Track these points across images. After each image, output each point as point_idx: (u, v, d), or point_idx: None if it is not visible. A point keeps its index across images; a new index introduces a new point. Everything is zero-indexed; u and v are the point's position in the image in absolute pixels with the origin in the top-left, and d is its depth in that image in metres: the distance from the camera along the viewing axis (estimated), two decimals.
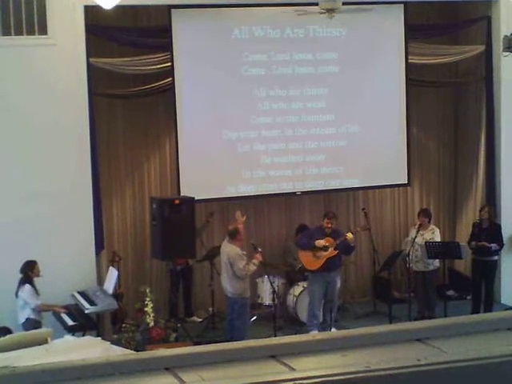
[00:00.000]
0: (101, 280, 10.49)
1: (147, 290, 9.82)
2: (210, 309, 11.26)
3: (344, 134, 11.89)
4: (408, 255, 11.03)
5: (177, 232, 9.83)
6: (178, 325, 10.30)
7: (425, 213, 11.43)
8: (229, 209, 11.74)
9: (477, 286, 11.38)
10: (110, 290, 9.93)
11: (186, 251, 10.25)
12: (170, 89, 11.07)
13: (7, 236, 10.15)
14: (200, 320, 11.59)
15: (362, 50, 11.78)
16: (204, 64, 11.15)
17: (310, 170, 11.81)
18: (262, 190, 11.65)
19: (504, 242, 11.38)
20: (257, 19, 11.37)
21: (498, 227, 11.45)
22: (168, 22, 10.90)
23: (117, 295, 10.36)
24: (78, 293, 10.07)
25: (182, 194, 10.89)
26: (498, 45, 11.42)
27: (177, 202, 10.13)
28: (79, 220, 10.43)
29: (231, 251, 9.92)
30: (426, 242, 10.96)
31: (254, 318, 11.06)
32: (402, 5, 11.83)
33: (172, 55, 10.93)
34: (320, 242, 10.41)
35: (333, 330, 9.95)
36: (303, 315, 10.88)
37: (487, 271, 11.29)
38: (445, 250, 10.99)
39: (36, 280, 9.55)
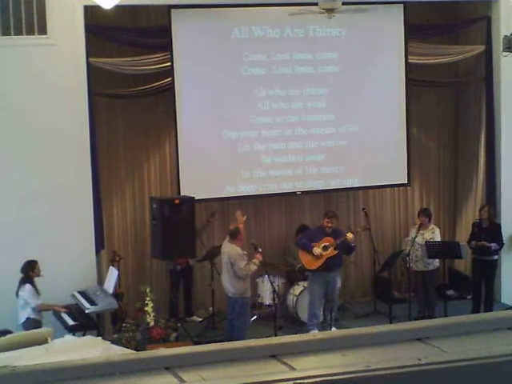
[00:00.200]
0: (101, 280, 10.49)
1: (147, 290, 9.83)
2: (210, 308, 11.26)
3: (344, 134, 11.89)
4: (408, 255, 11.03)
5: (177, 232, 9.83)
6: (178, 324, 10.31)
7: (425, 212, 11.42)
8: (229, 209, 11.74)
9: (477, 286, 11.38)
10: (111, 290, 9.93)
11: (186, 251, 10.25)
12: (170, 89, 11.07)
13: (7, 236, 10.15)
14: (200, 320, 11.59)
15: (362, 50, 11.78)
16: (204, 64, 11.15)
17: (310, 170, 11.81)
18: (262, 189, 11.65)
19: (504, 242, 11.39)
20: (256, 19, 11.36)
21: (498, 227, 11.45)
22: (168, 21, 10.90)
23: (117, 295, 10.36)
24: (79, 292, 10.07)
25: (181, 194, 10.89)
26: (497, 45, 11.41)
27: (177, 201, 10.14)
28: (79, 220, 10.43)
29: (232, 251, 9.92)
30: (426, 242, 10.96)
31: (255, 317, 11.05)
32: (402, 5, 11.82)
33: (172, 55, 10.92)
34: (316, 250, 10.41)
35: (333, 329, 9.95)
36: (303, 315, 10.89)
37: (487, 271, 11.29)
38: (445, 250, 10.99)
39: (36, 280, 9.55)
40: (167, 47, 10.96)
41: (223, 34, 11.24)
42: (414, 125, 12.62)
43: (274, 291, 10.38)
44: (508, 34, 10.44)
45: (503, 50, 10.49)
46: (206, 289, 11.59)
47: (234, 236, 9.99)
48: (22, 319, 9.44)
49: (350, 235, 10.50)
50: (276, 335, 9.76)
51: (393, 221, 12.86)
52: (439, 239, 11.34)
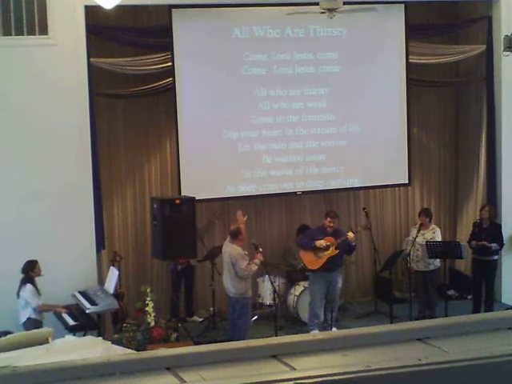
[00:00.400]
0: (102, 280, 10.49)
1: (148, 290, 9.83)
2: (211, 308, 11.25)
3: (344, 134, 11.89)
4: (409, 255, 11.03)
5: (177, 232, 9.84)
6: (179, 324, 10.30)
7: (425, 212, 11.42)
8: (229, 209, 11.74)
9: (477, 286, 11.37)
10: (111, 290, 9.94)
11: (187, 251, 10.24)
12: (171, 89, 11.07)
13: (8, 236, 10.15)
14: (201, 320, 11.59)
15: (363, 50, 11.78)
16: (204, 64, 11.15)
17: (311, 170, 11.81)
18: (262, 189, 11.65)
19: (504, 242, 11.38)
20: (257, 19, 11.37)
21: (499, 227, 11.45)
22: (168, 21, 10.90)
23: (118, 295, 10.36)
24: (79, 292, 10.08)
25: (182, 194, 10.89)
26: (498, 44, 11.41)
27: (177, 201, 10.14)
28: (80, 220, 10.43)
29: (233, 251, 9.92)
30: (426, 242, 10.96)
31: (255, 317, 11.05)
32: (403, 4, 11.82)
33: (172, 55, 10.92)
34: (320, 243, 10.41)
35: (334, 329, 9.96)
36: (304, 315, 10.89)
37: (487, 271, 11.28)
38: (445, 250, 10.99)
39: (37, 280, 9.55)
40: (168, 47, 10.96)
41: (224, 33, 11.24)
42: (415, 125, 12.62)
43: (274, 291, 10.39)
44: (509, 34, 10.44)
45: (504, 50, 10.49)
46: (206, 289, 11.59)
47: (235, 236, 9.99)
48: (23, 319, 9.44)
49: (350, 234, 10.51)
50: (277, 335, 9.75)
51: (393, 221, 12.86)
52: (440, 239, 11.33)
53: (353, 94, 11.85)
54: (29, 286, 9.43)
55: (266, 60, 11.41)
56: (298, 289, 11.19)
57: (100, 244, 10.75)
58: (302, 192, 11.88)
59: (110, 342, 7.01)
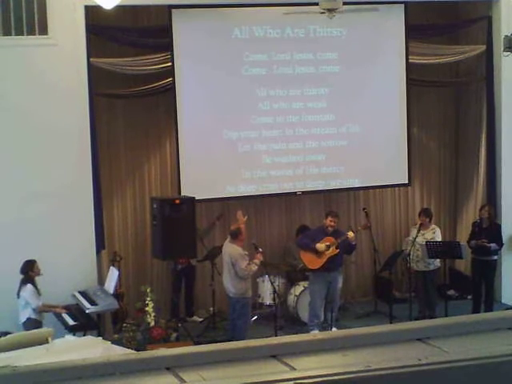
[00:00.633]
0: (101, 280, 10.49)
1: (148, 290, 9.83)
2: (211, 308, 11.25)
3: (344, 134, 11.89)
4: (409, 255, 11.03)
5: (177, 232, 9.83)
6: (179, 324, 10.31)
7: (425, 212, 11.42)
8: (229, 209, 11.74)
9: (477, 286, 11.37)
10: (111, 290, 9.94)
11: (187, 251, 10.24)
12: (171, 89, 11.07)
13: (8, 236, 10.15)
14: (201, 320, 11.59)
15: (363, 50, 11.78)
16: (204, 64, 11.15)
17: (311, 170, 11.81)
18: (262, 189, 11.65)
19: (504, 242, 11.39)
20: (257, 19, 11.37)
21: (498, 227, 11.45)
22: (168, 21, 10.90)
23: (117, 295, 10.36)
24: (79, 292, 10.07)
25: (182, 194, 10.89)
26: (498, 45, 11.41)
27: (177, 201, 10.14)
28: (80, 220, 10.43)
29: (233, 251, 9.93)
30: (426, 242, 10.96)
31: (255, 317, 11.05)
32: (403, 5, 11.82)
33: (172, 55, 10.93)
34: (321, 247, 10.41)
35: (334, 329, 9.95)
36: (304, 315, 10.89)
37: (487, 271, 11.28)
38: (445, 250, 10.99)
39: (37, 280, 9.55)
40: (168, 47, 10.96)
41: (224, 33, 11.24)
42: (415, 125, 12.62)
43: (274, 291, 10.39)
44: (509, 34, 10.45)
45: (504, 50, 10.49)
46: (206, 289, 11.59)
47: (235, 236, 9.99)
48: (23, 319, 9.44)
49: (351, 234, 10.51)
50: (276, 335, 9.75)
51: (393, 221, 12.86)
52: (440, 239, 11.33)
53: (353, 94, 11.85)
54: (29, 286, 9.43)
55: (266, 60, 11.41)
56: (297, 289, 11.19)
57: (100, 244, 10.74)
58: (302, 192, 11.87)
59: (109, 342, 7.01)
